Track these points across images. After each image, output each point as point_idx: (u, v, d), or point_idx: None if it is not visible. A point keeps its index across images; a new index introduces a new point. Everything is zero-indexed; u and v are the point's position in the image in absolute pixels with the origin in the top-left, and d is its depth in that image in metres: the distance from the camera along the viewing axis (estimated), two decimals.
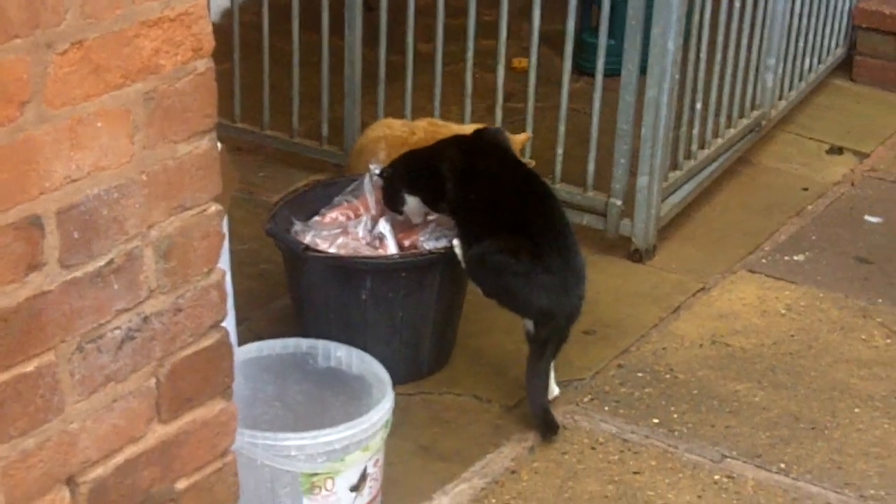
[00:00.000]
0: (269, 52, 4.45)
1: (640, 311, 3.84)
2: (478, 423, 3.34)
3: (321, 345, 3.08)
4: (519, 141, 3.80)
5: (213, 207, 2.34)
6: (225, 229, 3.02)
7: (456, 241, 3.30)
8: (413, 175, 3.38)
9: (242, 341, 3.50)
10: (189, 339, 2.34)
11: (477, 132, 3.48)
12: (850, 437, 3.32)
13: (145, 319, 2.24)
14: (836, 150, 4.88)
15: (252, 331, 3.66)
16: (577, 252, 3.28)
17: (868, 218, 4.41)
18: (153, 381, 2.29)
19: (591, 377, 3.54)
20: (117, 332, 2.20)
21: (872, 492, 3.13)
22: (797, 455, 3.24)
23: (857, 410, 3.42)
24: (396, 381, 3.31)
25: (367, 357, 3.03)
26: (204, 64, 2.23)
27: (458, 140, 3.44)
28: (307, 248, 3.28)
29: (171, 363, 2.31)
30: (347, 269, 3.29)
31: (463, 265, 3.29)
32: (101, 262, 2.14)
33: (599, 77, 4.00)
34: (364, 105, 4.43)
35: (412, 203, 3.40)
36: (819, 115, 5.12)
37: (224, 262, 2.92)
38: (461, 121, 4.22)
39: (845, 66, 5.44)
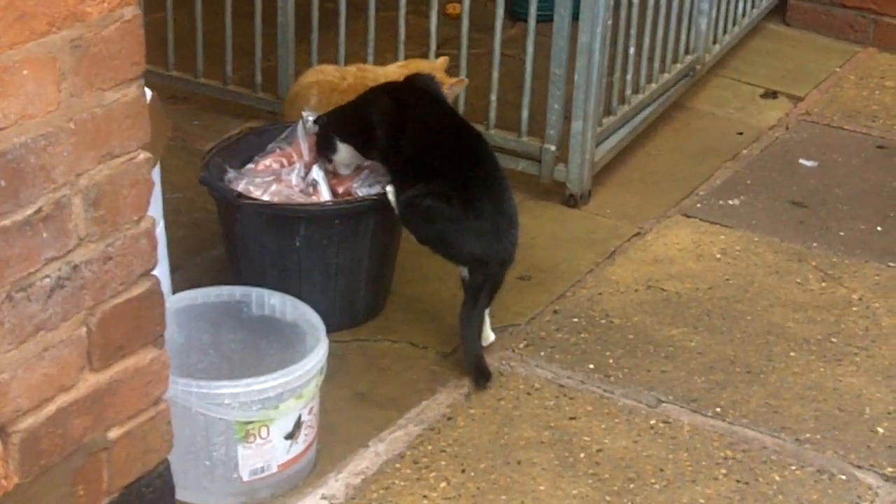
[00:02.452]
0: (201, 1, 4.39)
1: (575, 256, 3.85)
2: (413, 370, 3.33)
3: (255, 292, 3.06)
4: (449, 82, 3.77)
5: (142, 155, 2.31)
6: (156, 178, 3.00)
7: (389, 188, 3.27)
8: (345, 122, 3.35)
9: (176, 290, 3.47)
10: (119, 287, 2.32)
11: (408, 79, 3.45)
12: (786, 380, 3.34)
13: (75, 268, 2.22)
14: (771, 95, 4.89)
15: (186, 279, 3.63)
16: (510, 198, 3.27)
17: (803, 161, 4.43)
18: (84, 329, 2.26)
19: (526, 323, 3.54)
20: (47, 280, 2.17)
21: (808, 435, 3.15)
22: (733, 399, 3.27)
23: (792, 354, 3.44)
24: (332, 329, 3.30)
25: (301, 304, 3.01)
26: (131, 11, 2.19)
27: (389, 87, 3.41)
28: (240, 195, 3.25)
29: (102, 311, 2.29)
30: (281, 217, 3.26)
31: (396, 211, 3.27)
32: (30, 211, 2.11)
33: (532, 22, 3.98)
34: (297, 53, 4.38)
35: (344, 151, 3.37)
36: (753, 60, 5.13)
37: (156, 211, 2.90)
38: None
39: (779, 11, 5.44)
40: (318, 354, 2.84)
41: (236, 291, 3.06)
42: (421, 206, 3.18)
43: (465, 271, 3.29)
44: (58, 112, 2.11)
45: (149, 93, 2.99)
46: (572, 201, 4.07)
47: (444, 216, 3.17)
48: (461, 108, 4.11)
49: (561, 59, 3.92)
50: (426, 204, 3.17)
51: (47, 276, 2.16)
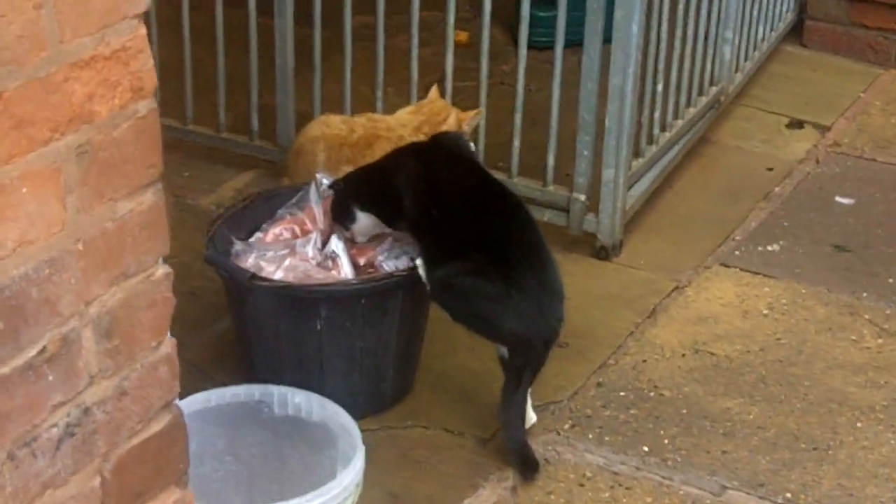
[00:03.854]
0: (189, 31, 4.04)
1: (612, 316, 3.53)
2: (451, 462, 3.01)
3: (276, 391, 2.73)
4: (465, 118, 3.46)
5: (161, 270, 1.98)
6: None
7: (419, 261, 2.95)
8: (367, 190, 3.02)
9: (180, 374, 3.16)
10: (137, 426, 1.99)
11: (434, 139, 3.13)
12: (857, 456, 3.04)
13: (86, 411, 1.88)
14: (797, 124, 4.59)
15: (188, 362, 3.26)
16: (554, 269, 2.95)
17: (839, 199, 4.14)
18: (97, 479, 1.93)
19: (569, 398, 3.22)
20: (54, 430, 1.84)
21: None
22: (803, 482, 2.96)
23: (859, 425, 3.15)
24: (357, 416, 3.00)
25: (330, 404, 2.69)
26: (146, 106, 1.86)
27: (416, 150, 3.08)
28: (254, 276, 2.91)
29: (117, 456, 1.96)
30: (300, 299, 2.94)
31: (427, 288, 2.95)
32: (32, 353, 1.78)
33: (559, 63, 3.66)
34: (297, 90, 4.04)
35: (365, 220, 3.05)
36: (775, 86, 4.83)
37: None
38: (407, 102, 3.86)
39: (796, 32, 5.14)
40: (355, 467, 2.52)
41: (255, 391, 2.74)
42: (457, 285, 2.86)
43: (504, 350, 2.97)
44: (63, 233, 1.78)
45: None
46: (604, 253, 3.76)
47: (484, 295, 2.86)
48: (480, 151, 3.78)
49: (590, 103, 3.61)
50: (462, 282, 2.85)
51: (54, 425, 1.83)
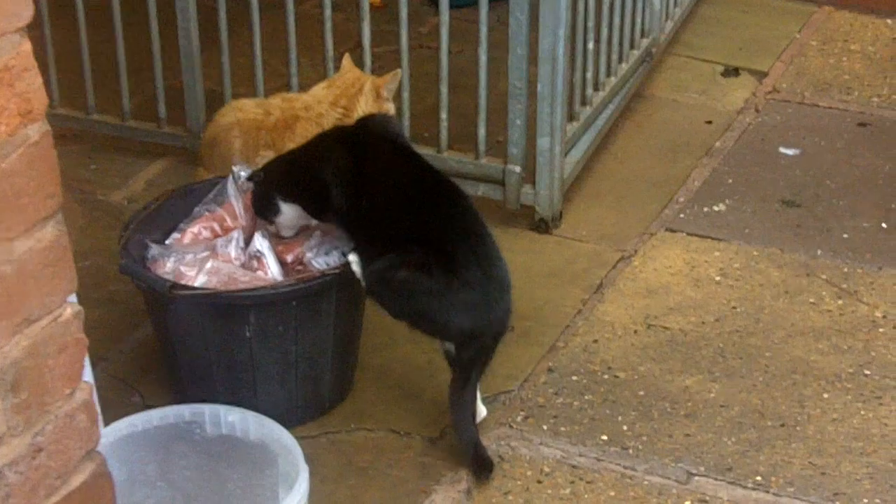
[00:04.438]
0: (84, 13, 3.76)
1: (558, 294, 3.35)
2: (400, 466, 2.81)
3: (208, 410, 2.52)
4: (384, 83, 3.25)
5: (69, 310, 1.76)
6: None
7: (353, 257, 2.74)
8: (290, 180, 2.80)
9: (101, 388, 2.92)
10: (56, 482, 1.78)
11: (361, 122, 2.90)
12: (826, 431, 2.89)
13: None
14: (732, 72, 4.42)
15: (111, 375, 3.07)
16: (499, 258, 2.75)
17: (783, 150, 3.97)
18: None
19: (519, 387, 3.03)
20: None
21: (866, 500, 2.70)
22: (773, 463, 2.80)
23: (825, 395, 2.99)
24: (295, 423, 2.84)
25: (267, 420, 2.49)
26: (37, 129, 1.63)
27: (341, 135, 2.85)
28: (174, 285, 2.68)
29: None
30: (226, 305, 2.71)
31: (363, 283, 2.74)
32: None
33: (484, 27, 3.44)
34: (205, 67, 3.78)
35: (289, 212, 2.83)
36: (707, 31, 4.64)
37: None
38: (322, 74, 3.63)
39: None
40: (300, 491, 2.31)
41: (185, 411, 2.52)
42: (395, 280, 2.65)
43: (450, 345, 2.78)
44: None
45: None
46: (543, 226, 3.56)
47: (425, 290, 2.65)
48: (402, 123, 3.56)
49: (521, 69, 3.40)
50: (401, 277, 2.64)
51: None
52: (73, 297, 1.79)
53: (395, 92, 3.32)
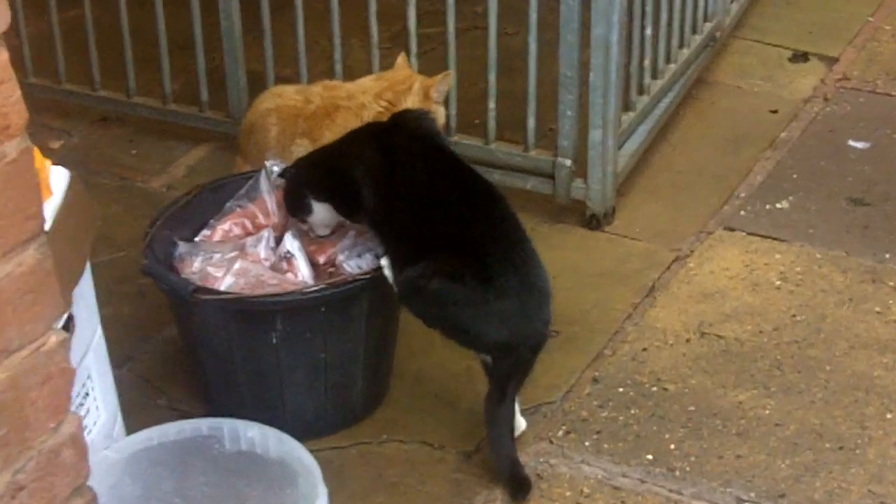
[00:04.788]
0: None
1: (607, 296, 3.18)
2: (432, 481, 2.67)
3: (227, 425, 2.39)
4: (434, 84, 3.10)
5: (53, 338, 1.62)
6: (87, 279, 2.33)
7: (385, 261, 2.59)
8: (321, 179, 2.66)
9: (127, 389, 2.83)
10: None
11: (395, 119, 2.74)
12: (888, 455, 2.70)
13: None
14: (801, 57, 4.21)
15: (137, 375, 2.96)
16: (538, 265, 2.59)
17: (852, 143, 3.76)
18: None
19: (561, 398, 2.88)
20: None
21: None
22: (829, 490, 2.63)
23: (889, 416, 2.80)
24: (326, 431, 2.72)
25: (287, 438, 2.35)
26: (15, 146, 1.50)
27: (374, 133, 2.70)
28: (197, 289, 2.55)
29: None
30: (251, 311, 2.58)
31: (395, 289, 2.60)
32: None
33: (534, 12, 3.27)
34: (247, 51, 3.64)
35: (322, 212, 2.69)
36: (775, 14, 4.43)
37: (90, 319, 2.24)
38: (367, 60, 3.48)
39: None
40: None
41: (202, 425, 2.39)
42: (427, 289, 2.50)
43: (487, 357, 2.63)
44: None
45: (65, 174, 2.32)
46: (595, 223, 3.39)
47: (458, 300, 2.50)
48: (451, 107, 3.40)
49: (572, 58, 3.23)
50: (434, 287, 2.49)
51: None
52: (59, 323, 1.66)
53: (445, 94, 3.16)
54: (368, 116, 3.06)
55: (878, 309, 3.11)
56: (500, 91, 3.41)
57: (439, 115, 3.13)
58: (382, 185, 2.57)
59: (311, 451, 2.65)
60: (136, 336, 3.06)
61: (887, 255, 3.29)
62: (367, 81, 3.18)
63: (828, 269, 3.24)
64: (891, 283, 3.19)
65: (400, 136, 2.65)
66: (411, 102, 3.09)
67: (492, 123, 3.40)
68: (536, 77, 3.33)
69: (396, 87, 3.09)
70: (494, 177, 3.38)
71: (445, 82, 3.16)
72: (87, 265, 2.40)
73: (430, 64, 3.52)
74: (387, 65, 3.30)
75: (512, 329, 2.53)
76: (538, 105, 3.38)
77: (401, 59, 3.19)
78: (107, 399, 2.49)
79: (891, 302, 3.13)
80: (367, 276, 2.60)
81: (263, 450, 2.36)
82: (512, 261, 2.53)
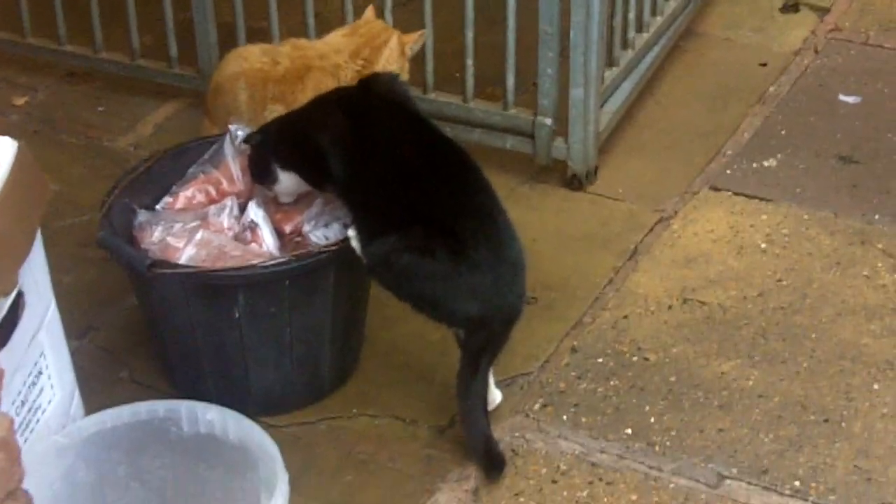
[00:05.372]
0: None
1: (588, 261, 3.08)
2: (403, 459, 2.58)
3: (185, 407, 2.29)
4: (410, 41, 2.99)
5: None
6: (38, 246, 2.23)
7: (352, 232, 2.49)
8: (286, 146, 2.55)
9: (87, 361, 2.75)
10: None
11: (364, 83, 2.63)
12: (875, 428, 2.61)
13: None
14: (792, 7, 4.08)
15: (99, 346, 2.87)
16: (512, 236, 2.48)
17: (843, 98, 3.65)
18: None
19: (539, 369, 2.78)
20: None
21: None
22: (813, 465, 2.54)
23: (876, 386, 2.71)
24: (293, 407, 2.64)
25: (246, 422, 2.26)
26: None
27: (340, 97, 2.58)
28: (154, 262, 2.45)
29: None
30: (212, 285, 2.48)
31: (364, 261, 2.49)
32: None
33: None
34: (217, 2, 3.52)
35: (287, 181, 2.59)
36: None
37: (43, 289, 2.16)
38: (342, 14, 3.35)
39: None
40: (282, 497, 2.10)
41: (159, 407, 2.30)
42: (398, 263, 2.40)
43: (460, 331, 2.53)
44: None
45: (12, 145, 2.21)
46: (576, 183, 3.29)
47: (429, 274, 2.40)
48: (428, 61, 3.29)
49: (552, 14, 3.11)
50: (404, 262, 2.39)
51: None
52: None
53: (416, 51, 3.05)
54: (346, 77, 2.94)
55: (866, 273, 3.01)
56: (480, 44, 3.29)
57: (406, 71, 3.01)
58: (352, 154, 2.46)
59: (278, 428, 2.60)
60: (99, 304, 2.96)
61: (876, 216, 3.18)
62: (337, 39, 3.05)
63: (815, 231, 3.14)
64: (879, 246, 3.09)
65: (370, 101, 2.54)
66: (387, 59, 2.97)
67: (470, 81, 3.28)
68: (516, 32, 3.21)
69: (373, 41, 2.97)
70: (473, 136, 3.29)
71: (420, 41, 3.05)
72: (39, 239, 2.29)
73: (408, 17, 3.40)
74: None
75: (485, 303, 2.43)
76: (519, 59, 3.26)
77: (369, 11, 3.06)
78: (62, 376, 2.39)
79: (879, 265, 3.03)
80: (334, 247, 2.50)
81: (223, 433, 2.27)
82: (485, 233, 2.42)
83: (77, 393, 2.46)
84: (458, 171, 2.48)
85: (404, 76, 2.91)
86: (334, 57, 2.98)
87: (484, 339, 2.48)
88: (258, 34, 3.55)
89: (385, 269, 2.44)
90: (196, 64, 3.55)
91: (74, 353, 2.51)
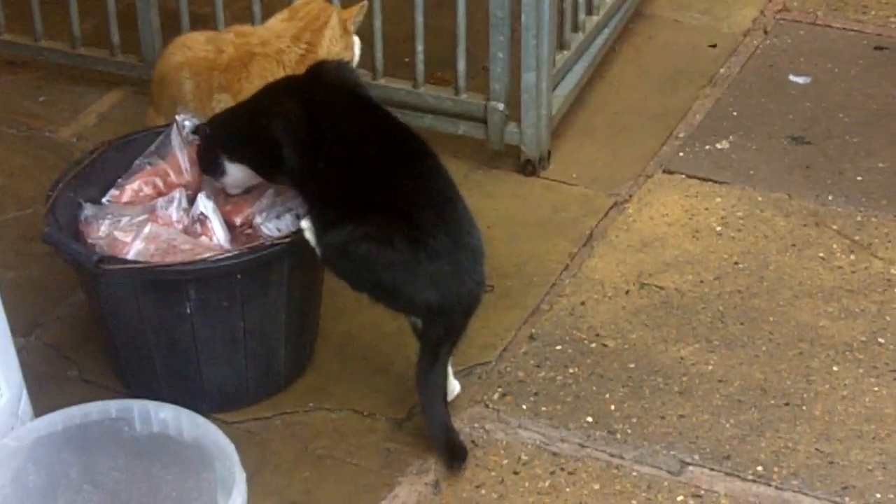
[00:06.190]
0: None
1: (544, 247, 3.04)
2: (361, 453, 2.54)
3: (137, 406, 2.24)
4: (351, 16, 2.94)
5: None
6: None
7: (305, 223, 2.44)
8: (237, 138, 2.49)
9: (35, 360, 2.68)
10: None
11: (313, 70, 2.57)
12: (835, 411, 2.60)
13: None
14: None
15: (46, 343, 2.80)
16: (470, 223, 2.45)
17: (793, 78, 3.63)
18: None
19: (497, 358, 2.75)
20: None
21: (879, 495, 2.43)
22: (775, 450, 2.52)
23: (835, 368, 2.70)
24: (248, 402, 2.59)
25: (201, 420, 2.21)
26: None
27: (290, 85, 2.53)
28: (102, 259, 2.39)
29: None
30: (161, 280, 2.42)
31: (318, 252, 2.44)
32: None
33: None
34: None
35: (237, 173, 2.53)
36: None
37: None
38: None
39: None
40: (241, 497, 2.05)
41: (111, 407, 2.24)
42: (355, 253, 2.35)
43: (417, 320, 2.49)
44: None
45: None
46: (529, 168, 3.25)
47: (387, 263, 2.36)
48: (377, 47, 3.23)
49: None
50: (362, 251, 2.35)
51: None
52: None
53: (359, 25, 2.99)
54: (290, 62, 2.88)
55: (821, 254, 3.00)
56: (430, 27, 3.25)
57: (356, 45, 2.96)
58: (305, 142, 2.41)
59: (232, 424, 2.55)
60: (46, 300, 2.89)
61: (830, 197, 3.17)
62: (278, 23, 2.98)
63: (770, 213, 3.13)
64: (834, 227, 3.07)
65: (322, 89, 2.49)
66: (330, 37, 2.92)
67: (420, 67, 3.24)
68: (466, 16, 3.16)
69: (313, 24, 2.91)
70: (425, 122, 3.25)
71: (361, 13, 2.99)
72: None
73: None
74: None
75: (444, 291, 2.40)
76: (470, 41, 3.22)
77: None
78: (9, 377, 2.33)
79: (835, 246, 3.02)
80: (287, 239, 2.44)
81: (177, 432, 2.22)
82: (443, 220, 2.39)
83: (25, 393, 2.39)
84: (414, 157, 2.43)
85: (351, 53, 2.87)
86: (276, 42, 2.92)
87: (443, 329, 2.44)
88: (202, 20, 3.49)
89: (342, 260, 2.39)
90: (139, 51, 3.48)
91: (21, 352, 2.44)
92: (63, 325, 2.84)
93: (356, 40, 2.97)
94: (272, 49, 2.91)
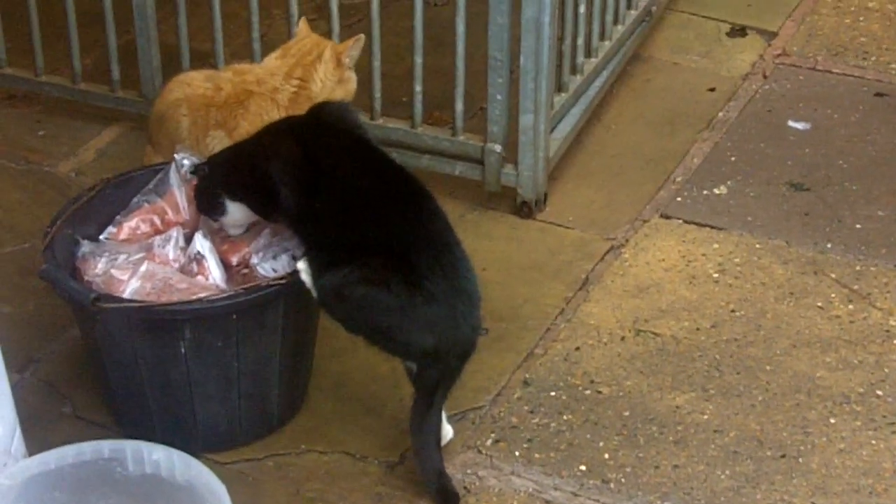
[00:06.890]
0: None
1: (539, 291, 3.04)
2: (353, 497, 2.52)
3: (129, 447, 2.23)
4: (345, 49, 2.93)
5: None
6: None
7: (302, 265, 2.43)
8: (235, 177, 2.49)
9: (29, 395, 2.67)
10: None
11: (314, 111, 2.57)
12: (832, 464, 2.59)
13: None
14: (739, 31, 4.07)
15: (41, 379, 2.79)
16: (467, 268, 2.44)
17: (792, 124, 3.64)
18: None
19: (490, 403, 2.73)
20: None
21: None
22: (771, 502, 2.51)
23: (832, 421, 2.69)
24: (240, 443, 2.58)
25: (194, 462, 2.21)
26: None
27: (292, 127, 2.53)
28: (98, 297, 2.38)
29: None
30: (158, 320, 2.41)
31: (314, 294, 2.44)
32: None
33: None
34: (161, 21, 3.44)
35: (236, 213, 2.53)
36: None
37: None
38: (289, 33, 3.28)
39: None
40: None
41: (103, 447, 2.23)
42: (352, 296, 2.35)
43: (412, 364, 2.48)
44: None
45: None
46: (526, 210, 3.25)
47: (384, 307, 2.35)
48: (375, 87, 3.23)
49: (501, 40, 3.07)
50: (359, 294, 2.34)
51: None
52: None
53: (356, 60, 2.98)
54: (284, 99, 2.88)
55: (819, 304, 2.99)
56: (429, 67, 3.25)
57: (352, 81, 2.96)
58: (303, 184, 2.41)
59: (224, 465, 2.54)
60: (41, 335, 2.88)
61: (829, 245, 3.17)
62: (272, 62, 2.98)
63: (768, 261, 3.12)
64: (832, 276, 3.07)
65: (321, 130, 2.49)
66: (323, 72, 2.91)
67: (418, 107, 3.24)
68: (465, 58, 3.17)
69: (304, 59, 2.91)
70: (422, 162, 3.25)
71: (357, 46, 2.97)
72: None
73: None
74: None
75: (440, 336, 2.39)
76: (468, 83, 3.22)
77: (302, 24, 3.00)
78: (3, 414, 2.32)
79: (833, 295, 3.02)
80: (283, 280, 2.44)
81: (169, 473, 2.21)
82: (440, 264, 2.38)
83: (18, 429, 2.38)
84: (412, 200, 2.43)
85: (346, 88, 2.86)
86: (270, 80, 2.92)
87: (438, 373, 2.43)
88: (202, 57, 3.50)
89: (338, 302, 2.38)
90: (139, 87, 3.48)
91: (15, 388, 2.44)
92: (58, 361, 2.82)
93: (353, 77, 2.97)
94: (267, 87, 2.90)
